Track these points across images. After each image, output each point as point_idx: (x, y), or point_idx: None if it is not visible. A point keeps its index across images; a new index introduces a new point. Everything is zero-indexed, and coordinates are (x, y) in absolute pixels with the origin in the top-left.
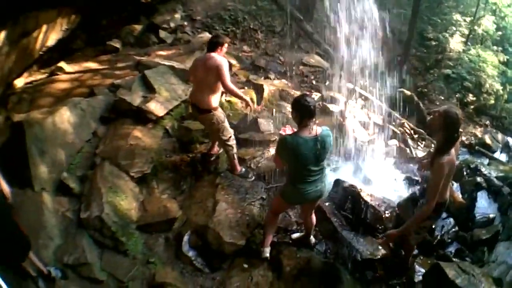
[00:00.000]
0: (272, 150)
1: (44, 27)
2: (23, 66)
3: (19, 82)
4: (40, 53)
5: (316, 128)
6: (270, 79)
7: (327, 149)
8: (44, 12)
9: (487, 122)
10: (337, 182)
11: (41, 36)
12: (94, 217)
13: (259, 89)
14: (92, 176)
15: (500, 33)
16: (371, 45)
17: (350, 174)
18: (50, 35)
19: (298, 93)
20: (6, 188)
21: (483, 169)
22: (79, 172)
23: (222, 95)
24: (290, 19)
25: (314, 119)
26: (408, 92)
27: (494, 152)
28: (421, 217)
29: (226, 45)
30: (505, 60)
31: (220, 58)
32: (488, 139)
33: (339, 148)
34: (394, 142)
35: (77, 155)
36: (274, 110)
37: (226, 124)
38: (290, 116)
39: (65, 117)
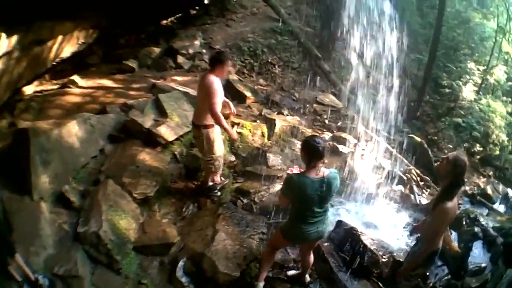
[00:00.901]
0: (278, 186)
1: (60, 38)
2: (34, 74)
3: (28, 90)
4: (53, 63)
5: (324, 170)
6: (283, 114)
7: (333, 191)
8: (61, 23)
9: (491, 173)
10: (339, 223)
11: (55, 47)
12: (91, 232)
13: (271, 124)
14: (94, 192)
15: (510, 83)
16: (387, 88)
17: (353, 216)
18: (65, 47)
19: (309, 131)
20: None
21: (481, 220)
22: (81, 187)
23: (234, 126)
24: (309, 57)
25: (322, 161)
26: (418, 139)
27: (494, 203)
28: (415, 261)
29: (226, 65)
30: None
31: (213, 78)
32: (489, 190)
33: (345, 190)
34: (399, 188)
35: (81, 170)
36: (284, 146)
37: (215, 146)
38: (299, 153)
39: (73, 130)
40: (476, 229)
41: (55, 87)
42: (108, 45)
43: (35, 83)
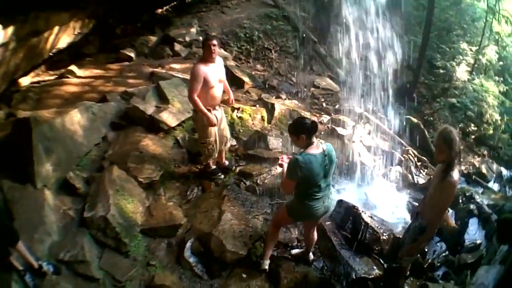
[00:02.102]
0: (279, 168)
1: (56, 29)
2: (31, 65)
3: (25, 81)
4: (50, 54)
5: (321, 144)
6: (282, 98)
7: (334, 162)
8: (56, 14)
9: (485, 152)
10: (340, 203)
11: (52, 37)
12: (98, 217)
13: (270, 108)
14: (100, 178)
15: (501, 63)
16: (382, 70)
17: (354, 196)
18: (62, 37)
19: (308, 114)
20: None
21: (477, 197)
22: (85, 174)
23: (234, 111)
24: (304, 41)
25: (316, 135)
26: (415, 120)
27: (488, 181)
28: (426, 237)
29: (207, 46)
30: (505, 90)
31: (197, 65)
32: (484, 169)
33: (345, 171)
34: (397, 168)
35: (84, 157)
36: (283, 129)
37: (208, 130)
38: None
39: (75, 119)
40: (472, 206)
41: (52, 77)
42: (104, 35)
43: (32, 74)
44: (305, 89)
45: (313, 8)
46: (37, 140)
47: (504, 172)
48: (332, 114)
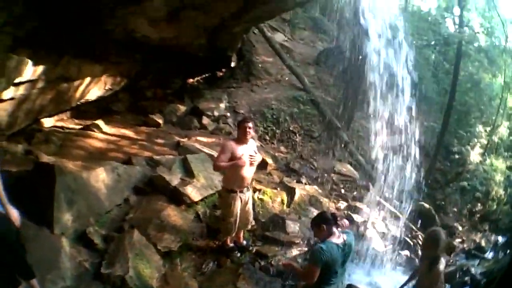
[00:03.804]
0: (294, 251)
1: (87, 80)
2: (57, 109)
3: (48, 122)
4: (78, 103)
5: (342, 234)
6: (302, 183)
7: (353, 251)
8: (88, 64)
9: (486, 227)
10: (350, 287)
11: (82, 87)
12: (116, 275)
13: (291, 192)
14: (120, 239)
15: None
16: (401, 158)
17: (363, 281)
18: (92, 89)
19: (326, 200)
20: (14, 214)
21: (472, 270)
22: (103, 231)
23: (255, 192)
24: (329, 126)
25: (337, 225)
26: (427, 206)
27: (485, 252)
28: None
29: (242, 127)
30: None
31: (227, 141)
32: (483, 242)
33: (356, 256)
34: (406, 253)
35: (105, 215)
36: (302, 213)
37: (230, 210)
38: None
39: (100, 177)
40: (466, 278)
41: (77, 126)
42: (134, 95)
43: (56, 117)
44: (325, 175)
45: (340, 94)
46: (59, 189)
47: (500, 239)
48: (350, 201)
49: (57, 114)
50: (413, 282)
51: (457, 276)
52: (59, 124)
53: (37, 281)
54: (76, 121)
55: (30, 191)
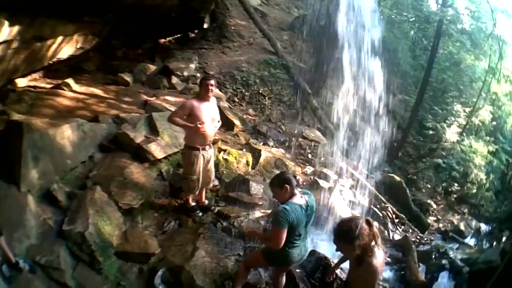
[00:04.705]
0: (257, 213)
1: (59, 38)
2: (30, 69)
3: (22, 82)
4: (50, 62)
5: (303, 196)
6: (269, 145)
7: (314, 213)
8: (62, 24)
9: (465, 210)
10: (312, 252)
11: (54, 46)
12: (76, 232)
13: (256, 154)
14: (82, 196)
15: (494, 123)
16: (371, 128)
17: (327, 248)
18: (64, 48)
19: (293, 164)
20: None
21: (450, 253)
22: (67, 188)
23: (220, 152)
24: (299, 91)
25: (299, 186)
26: (397, 178)
27: (465, 237)
28: None
29: (203, 85)
30: (494, 150)
31: (189, 100)
32: (462, 226)
33: (321, 222)
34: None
35: (69, 172)
36: (267, 176)
37: (192, 168)
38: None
39: (66, 134)
40: (444, 261)
41: (48, 86)
42: (105, 55)
43: (29, 77)
44: (293, 139)
45: (311, 60)
46: (27, 146)
47: (483, 227)
48: (316, 166)
49: (30, 73)
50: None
51: (433, 257)
52: (32, 83)
53: (6, 239)
54: (48, 80)
55: (2, 150)
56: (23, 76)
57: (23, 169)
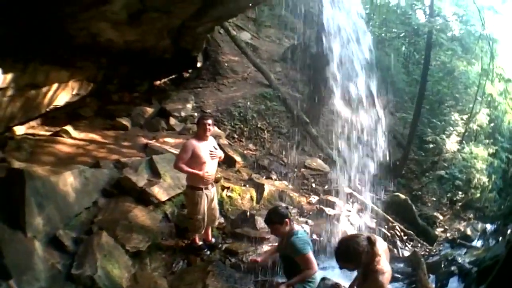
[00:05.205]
0: (265, 247)
1: (55, 86)
2: (27, 116)
3: (20, 130)
4: (47, 109)
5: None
6: (272, 179)
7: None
8: (55, 70)
9: (471, 215)
10: (323, 279)
11: (50, 93)
12: (86, 276)
13: (260, 188)
14: (89, 241)
15: (492, 124)
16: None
17: (338, 274)
18: (60, 95)
19: (297, 195)
20: None
21: (458, 259)
22: (73, 234)
23: (224, 189)
24: (297, 122)
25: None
26: (402, 197)
27: (472, 241)
28: None
29: (201, 125)
30: (494, 151)
31: (189, 141)
32: (469, 231)
33: (331, 249)
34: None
35: (74, 218)
36: None
37: (197, 208)
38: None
39: (68, 180)
40: (453, 268)
41: (47, 133)
42: (101, 100)
43: (27, 125)
44: (295, 170)
45: (306, 89)
46: (30, 193)
47: (489, 227)
48: (321, 195)
49: (27, 121)
50: None
51: (442, 266)
52: (30, 131)
53: (14, 282)
54: (46, 127)
55: (4, 196)
56: (21, 123)
57: (27, 216)
